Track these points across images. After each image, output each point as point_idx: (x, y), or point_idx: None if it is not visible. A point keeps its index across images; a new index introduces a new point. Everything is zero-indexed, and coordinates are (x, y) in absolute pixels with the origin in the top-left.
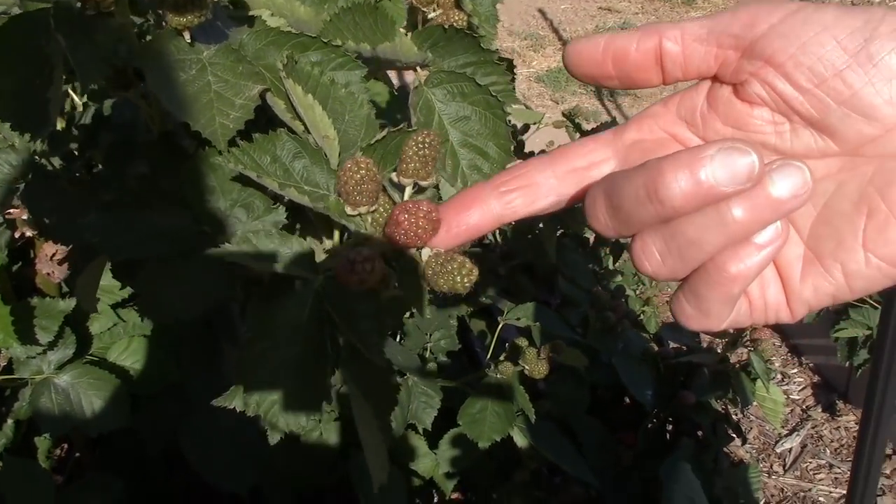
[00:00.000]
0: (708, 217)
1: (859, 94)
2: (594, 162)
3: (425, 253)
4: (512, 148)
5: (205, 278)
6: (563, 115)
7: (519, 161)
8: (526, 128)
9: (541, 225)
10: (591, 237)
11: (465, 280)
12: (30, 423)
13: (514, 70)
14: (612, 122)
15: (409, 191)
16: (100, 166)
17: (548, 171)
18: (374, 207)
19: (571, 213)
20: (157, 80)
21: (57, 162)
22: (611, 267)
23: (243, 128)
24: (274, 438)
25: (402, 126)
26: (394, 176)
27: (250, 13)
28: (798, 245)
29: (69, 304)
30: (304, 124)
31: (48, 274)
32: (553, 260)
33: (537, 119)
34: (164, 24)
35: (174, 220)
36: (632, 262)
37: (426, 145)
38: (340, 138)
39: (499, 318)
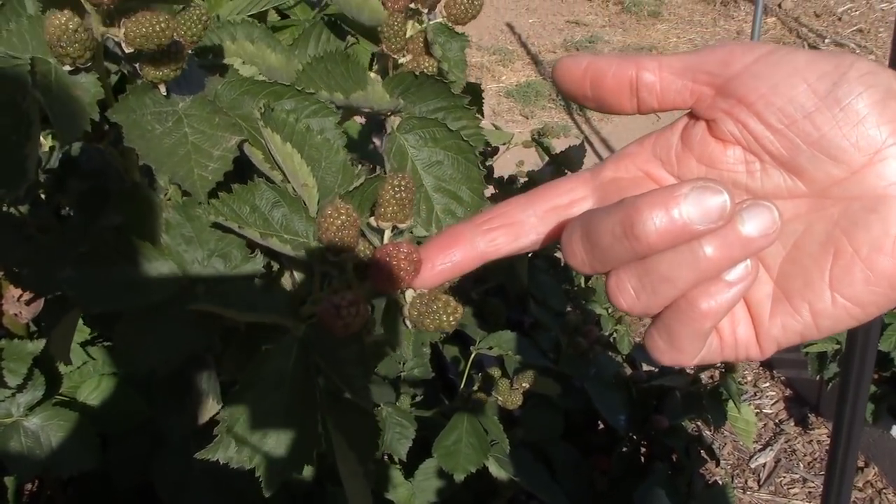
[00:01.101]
0: (681, 254)
1: (827, 136)
2: (574, 200)
3: (409, 294)
4: (485, 192)
5: (182, 330)
6: (532, 138)
7: (500, 202)
8: (496, 150)
9: None
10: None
11: (452, 319)
12: None
13: (482, 93)
14: (581, 145)
15: (388, 234)
16: (69, 211)
17: (529, 209)
18: (354, 252)
19: None
20: (133, 135)
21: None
22: (583, 285)
23: (222, 179)
24: (269, 491)
25: (377, 172)
26: (372, 220)
27: (223, 61)
28: (767, 283)
29: (38, 345)
30: (283, 173)
31: (16, 314)
32: (524, 282)
33: (507, 139)
34: (139, 76)
35: (150, 272)
36: (607, 298)
37: (402, 188)
38: (318, 185)
39: (472, 348)
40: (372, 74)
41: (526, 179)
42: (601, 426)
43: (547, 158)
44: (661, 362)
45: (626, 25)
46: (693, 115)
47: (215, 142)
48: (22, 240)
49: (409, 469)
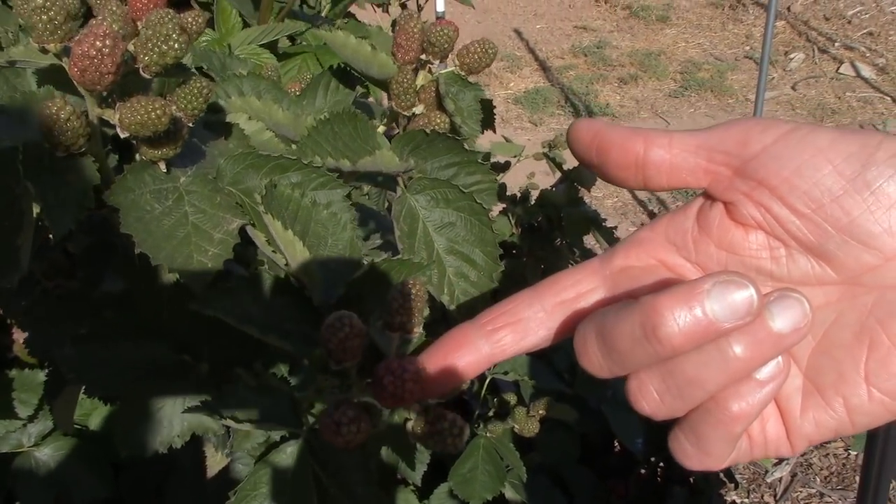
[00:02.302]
0: (707, 354)
1: (857, 221)
2: (581, 293)
3: (414, 409)
4: (499, 255)
5: (184, 414)
6: (543, 153)
7: (504, 300)
8: (507, 165)
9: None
10: None
11: (457, 441)
12: (8, 495)
13: (493, 113)
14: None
15: (395, 344)
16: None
17: (536, 305)
18: (358, 360)
19: (555, 250)
20: (130, 218)
21: None
22: None
23: (222, 268)
24: None
25: (386, 256)
26: (379, 325)
27: (227, 118)
28: (797, 376)
29: None
30: (286, 258)
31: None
32: None
33: (517, 152)
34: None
35: (151, 351)
36: (628, 400)
37: (412, 296)
38: (322, 270)
39: (487, 372)
40: (381, 127)
41: (538, 195)
42: (618, 448)
43: (558, 172)
44: (689, 467)
45: (634, 30)
46: (709, 196)
47: (216, 223)
48: (34, 293)
49: (424, 492)
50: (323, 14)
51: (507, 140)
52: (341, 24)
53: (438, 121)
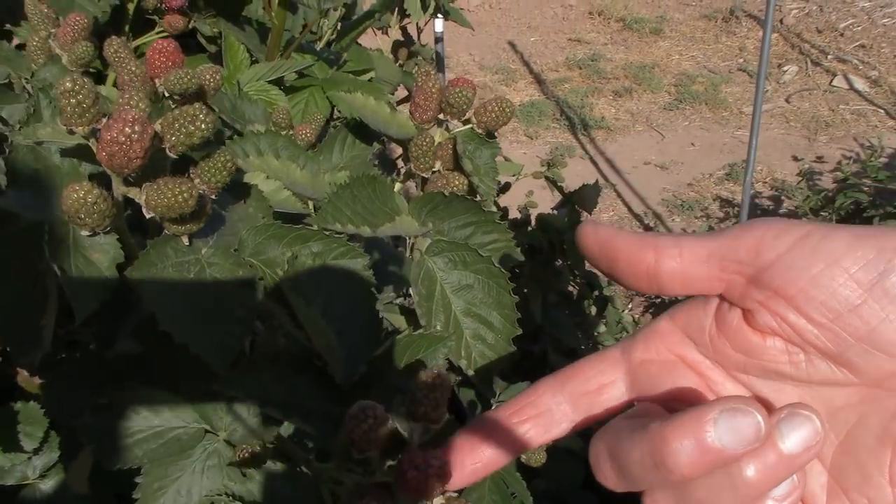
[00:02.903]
0: (719, 479)
1: (877, 329)
2: (603, 384)
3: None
4: (517, 319)
5: (203, 483)
6: (542, 173)
7: (528, 388)
8: (507, 186)
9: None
10: (575, 291)
11: None
12: None
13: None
14: (595, 184)
15: (418, 435)
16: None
17: (558, 395)
18: (381, 450)
19: (556, 273)
20: (153, 297)
21: None
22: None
23: (243, 346)
24: None
25: (404, 332)
26: (403, 412)
27: (244, 179)
28: (822, 473)
29: None
30: (308, 334)
31: (30, 375)
32: (538, 320)
33: (516, 171)
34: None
35: (170, 420)
36: None
37: (437, 387)
38: (344, 346)
39: (491, 400)
40: (398, 185)
41: (537, 217)
42: None
43: (558, 194)
44: None
45: (627, 43)
46: (725, 299)
47: (239, 299)
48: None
49: None
50: (324, 39)
51: (506, 159)
52: (343, 48)
53: (457, 182)
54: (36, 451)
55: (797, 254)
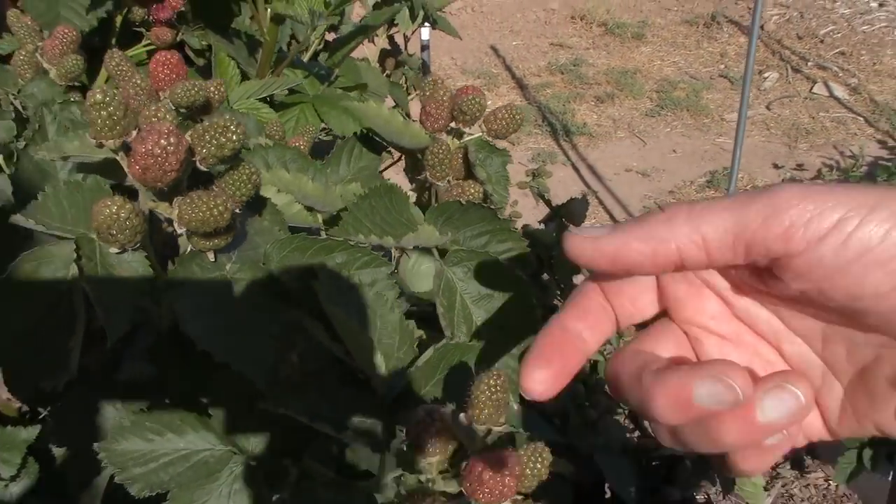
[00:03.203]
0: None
1: None
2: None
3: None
4: (538, 326)
5: None
6: (528, 183)
7: None
8: None
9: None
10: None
11: None
12: None
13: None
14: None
15: (481, 436)
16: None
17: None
18: (445, 456)
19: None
20: (188, 317)
21: None
22: None
23: (280, 360)
24: None
25: (444, 340)
26: (463, 417)
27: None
28: (839, 389)
29: (32, 432)
30: (347, 347)
31: (8, 398)
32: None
33: None
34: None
35: (197, 442)
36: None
37: (497, 388)
38: (383, 359)
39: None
40: (411, 193)
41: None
42: (609, 495)
43: (545, 206)
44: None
45: (609, 48)
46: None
47: (272, 313)
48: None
49: None
50: (310, 50)
51: None
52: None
53: (472, 191)
54: (13, 478)
55: (830, 244)
